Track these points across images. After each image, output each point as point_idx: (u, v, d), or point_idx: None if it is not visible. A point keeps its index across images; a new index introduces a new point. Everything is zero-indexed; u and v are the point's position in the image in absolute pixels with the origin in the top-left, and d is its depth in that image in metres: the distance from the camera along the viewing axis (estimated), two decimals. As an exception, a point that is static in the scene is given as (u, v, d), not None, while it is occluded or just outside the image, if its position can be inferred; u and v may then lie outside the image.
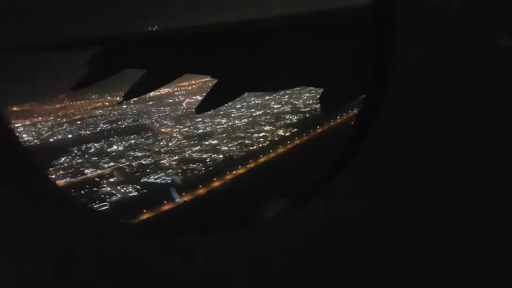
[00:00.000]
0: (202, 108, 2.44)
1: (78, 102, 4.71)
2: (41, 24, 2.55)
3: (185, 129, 4.47)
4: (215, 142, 4.28)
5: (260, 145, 4.29)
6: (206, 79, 3.94)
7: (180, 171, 3.89)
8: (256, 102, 4.74)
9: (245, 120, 4.61)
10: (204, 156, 4.11)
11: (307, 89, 4.66)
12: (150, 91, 3.51)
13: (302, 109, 4.63)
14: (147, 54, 2.15)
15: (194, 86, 4.51)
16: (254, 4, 2.74)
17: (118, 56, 2.12)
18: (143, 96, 4.21)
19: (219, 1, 3.47)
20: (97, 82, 2.24)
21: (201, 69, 2.28)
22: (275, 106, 4.71)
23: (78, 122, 4.47)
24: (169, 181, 3.73)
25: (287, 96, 4.80)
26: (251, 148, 4.24)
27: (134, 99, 4.53)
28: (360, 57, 1.40)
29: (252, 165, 4.04)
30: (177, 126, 4.52)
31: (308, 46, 1.84)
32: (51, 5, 2.71)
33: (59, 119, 4.38)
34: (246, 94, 4.27)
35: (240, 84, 2.12)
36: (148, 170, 3.88)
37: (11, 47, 1.95)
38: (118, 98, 4.70)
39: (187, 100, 4.78)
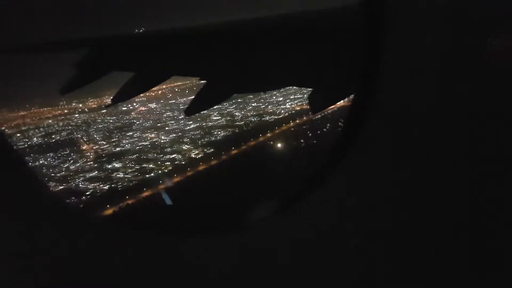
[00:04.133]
0: (191, 110, 2.31)
1: (45, 109, 4.73)
2: (29, 26, 2.58)
3: (106, 146, 4.23)
4: (118, 165, 3.98)
5: (160, 171, 3.89)
6: (173, 84, 3.95)
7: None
8: (202, 112, 4.08)
9: (173, 135, 4.27)
10: (90, 187, 3.80)
11: (259, 97, 4.40)
12: (137, 94, 3.24)
13: (237, 123, 4.21)
14: (134, 56, 2.11)
15: (158, 92, 4.34)
16: (242, 6, 2.80)
17: (105, 58, 2.08)
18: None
19: (206, 3, 3.41)
20: (84, 85, 2.15)
21: (188, 71, 2.22)
22: (214, 118, 4.30)
23: (18, 135, 4.45)
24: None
25: (233, 106, 4.41)
26: (147, 176, 3.85)
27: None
28: (350, 56, 1.41)
29: (124, 203, 3.65)
30: (101, 142, 4.30)
31: (297, 46, 1.81)
32: (36, 7, 2.73)
33: (6, 130, 4.42)
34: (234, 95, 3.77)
35: (228, 85, 2.09)
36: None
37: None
38: (81, 105, 4.71)
39: (141, 108, 4.62)
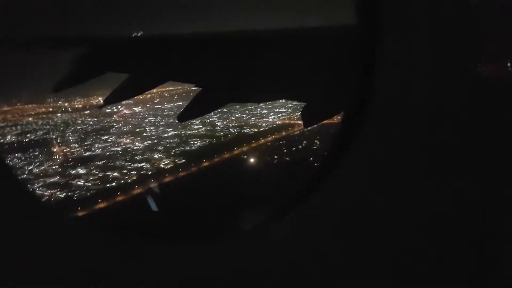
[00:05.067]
0: (184, 116, 2.35)
1: (30, 105, 4.46)
2: (26, 22, 2.45)
3: (76, 149, 4.02)
4: (83, 171, 3.75)
5: (121, 181, 3.65)
6: (164, 89, 3.84)
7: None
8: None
9: (148, 142, 4.05)
10: (46, 193, 3.59)
11: (245, 108, 4.26)
12: (130, 97, 3.35)
13: (216, 133, 3.98)
14: (129, 59, 2.15)
15: (147, 95, 4.15)
16: (239, 17, 2.82)
17: (101, 59, 2.12)
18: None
19: (207, 10, 3.31)
20: (77, 85, 2.23)
21: (184, 77, 2.23)
22: (194, 127, 4.07)
23: (-7, 131, 4.19)
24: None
25: (217, 116, 4.17)
26: (107, 185, 3.62)
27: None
28: (344, 70, 1.46)
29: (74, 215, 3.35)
30: (73, 145, 4.08)
31: (292, 59, 1.85)
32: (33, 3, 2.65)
33: (-18, 127, 4.21)
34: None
35: (223, 93, 2.10)
36: None
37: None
38: (66, 104, 4.47)
39: (124, 111, 4.43)
